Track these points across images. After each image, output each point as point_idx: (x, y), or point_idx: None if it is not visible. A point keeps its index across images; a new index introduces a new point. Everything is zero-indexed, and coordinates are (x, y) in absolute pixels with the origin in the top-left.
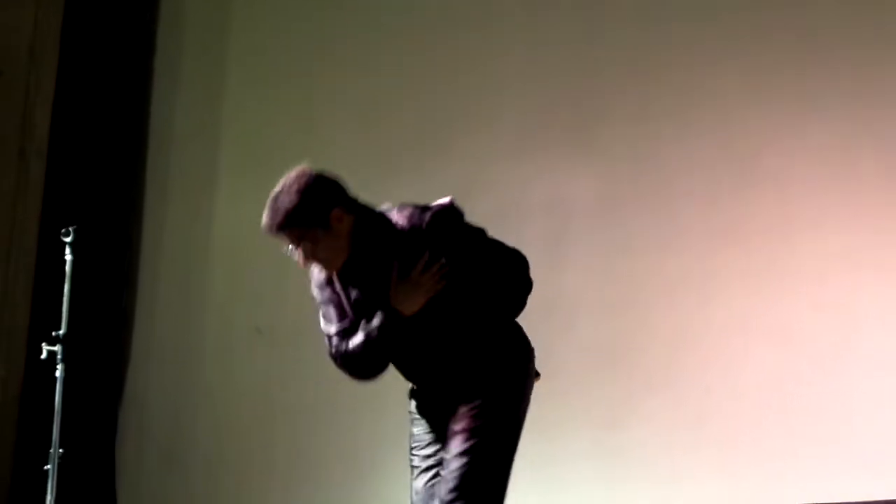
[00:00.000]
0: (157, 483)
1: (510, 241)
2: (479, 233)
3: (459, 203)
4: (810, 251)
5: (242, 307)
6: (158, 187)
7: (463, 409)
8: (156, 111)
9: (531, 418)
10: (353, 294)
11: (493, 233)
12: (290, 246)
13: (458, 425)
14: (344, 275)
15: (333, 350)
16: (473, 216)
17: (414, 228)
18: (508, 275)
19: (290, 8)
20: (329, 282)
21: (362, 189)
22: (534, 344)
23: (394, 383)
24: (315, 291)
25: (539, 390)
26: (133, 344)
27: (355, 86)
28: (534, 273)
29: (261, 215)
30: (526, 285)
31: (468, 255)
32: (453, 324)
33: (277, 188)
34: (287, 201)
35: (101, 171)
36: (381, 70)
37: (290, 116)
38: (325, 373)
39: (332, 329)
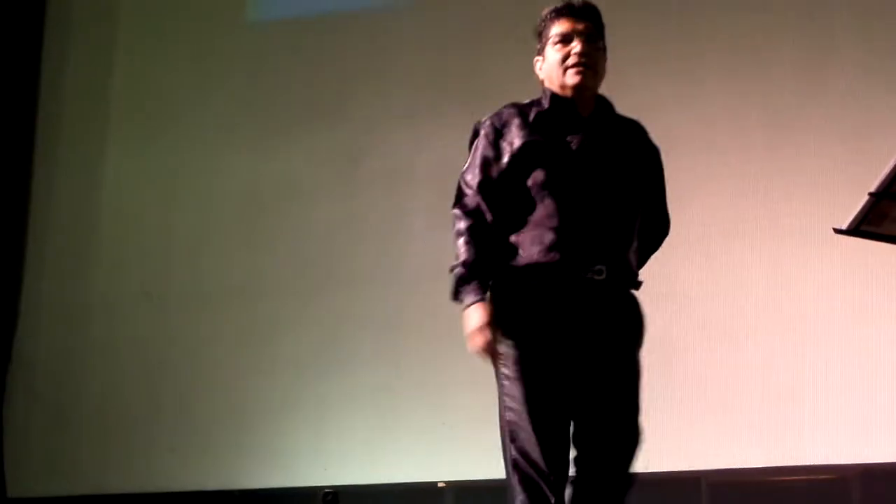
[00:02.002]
0: (46, 443)
1: (399, 204)
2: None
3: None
4: (699, 216)
5: (131, 268)
6: (48, 145)
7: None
8: (47, 65)
9: (417, 382)
10: (563, 149)
11: (383, 197)
12: (565, 32)
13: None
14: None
15: (458, 204)
16: (364, 179)
17: (643, 131)
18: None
19: None
20: (528, 130)
21: (245, 147)
22: (417, 307)
23: (282, 351)
24: (489, 134)
25: (428, 354)
26: (21, 304)
27: (245, 42)
28: (423, 237)
29: (151, 174)
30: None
31: (659, 190)
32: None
33: None
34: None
35: None
36: (271, 27)
37: (180, 72)
38: (212, 334)
39: (474, 183)
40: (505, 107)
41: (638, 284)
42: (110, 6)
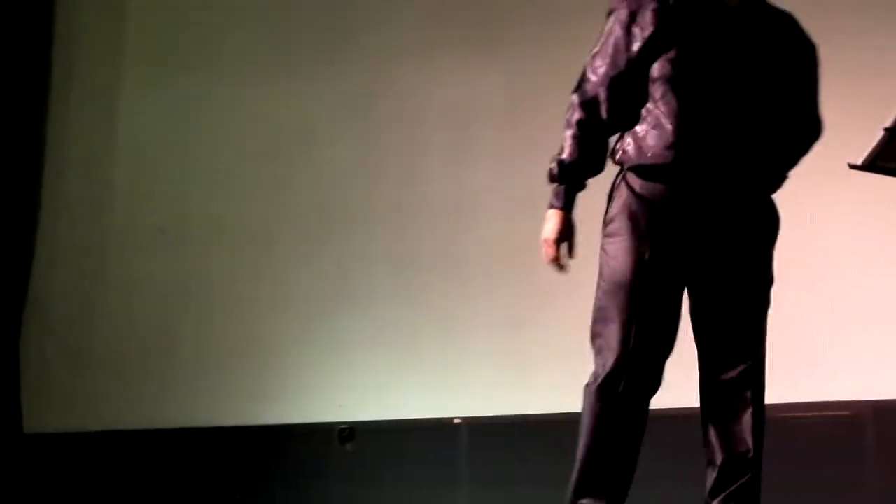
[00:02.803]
0: (63, 381)
1: (414, 143)
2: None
3: None
4: None
5: (147, 206)
6: (63, 84)
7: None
8: (61, 8)
9: (433, 319)
10: (700, 42)
11: (397, 133)
12: None
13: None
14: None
15: (578, 90)
16: (377, 117)
17: (797, 26)
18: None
19: None
20: (665, 16)
21: (262, 87)
22: (436, 244)
23: (298, 289)
24: (624, 18)
25: (442, 292)
26: (38, 241)
27: None
28: (438, 173)
29: (167, 113)
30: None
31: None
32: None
33: None
34: None
35: (4, 69)
36: None
37: (195, 15)
38: (228, 272)
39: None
40: None
41: (775, 187)
42: None
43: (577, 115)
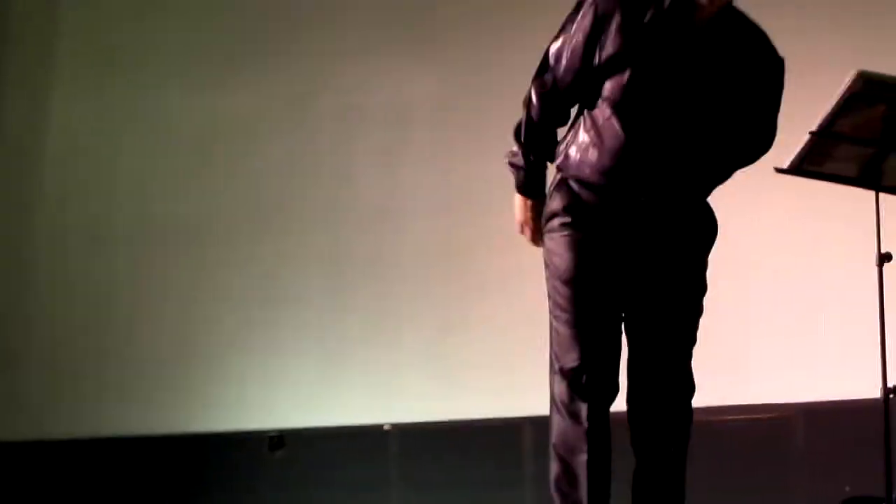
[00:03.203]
0: None
1: (349, 143)
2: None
3: None
4: None
5: (78, 208)
6: None
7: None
8: None
9: (364, 322)
10: (662, 53)
11: (332, 134)
12: None
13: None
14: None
15: (537, 78)
16: (315, 116)
17: (765, 42)
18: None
19: None
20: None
21: (201, 88)
22: (369, 246)
23: (231, 292)
24: (590, 17)
25: (375, 294)
26: None
27: None
28: (372, 174)
29: (100, 114)
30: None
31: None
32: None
33: None
34: None
35: None
36: None
37: (126, 17)
38: (160, 274)
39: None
40: None
41: (708, 194)
42: None
43: (534, 103)
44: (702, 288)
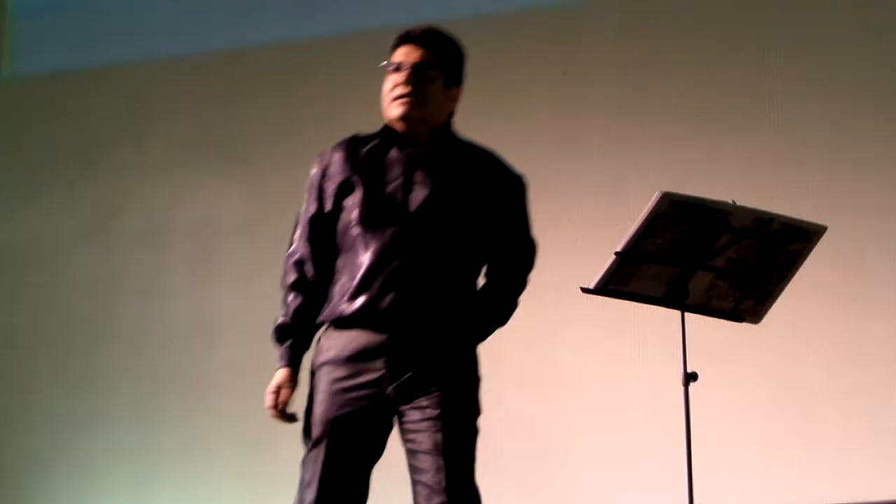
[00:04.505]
0: None
1: (157, 260)
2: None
3: None
4: None
5: None
6: None
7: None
8: None
9: (175, 439)
10: (381, 185)
11: (140, 250)
12: (400, 62)
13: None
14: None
15: (288, 251)
16: (123, 233)
17: (495, 162)
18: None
19: None
20: (350, 166)
21: (9, 199)
22: (178, 363)
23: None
24: (316, 175)
25: (186, 411)
26: None
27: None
28: (181, 292)
29: None
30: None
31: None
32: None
33: None
34: (446, 32)
35: None
36: (29, 81)
37: None
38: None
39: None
40: (340, 140)
41: (469, 329)
42: None
43: (287, 278)
44: (475, 413)
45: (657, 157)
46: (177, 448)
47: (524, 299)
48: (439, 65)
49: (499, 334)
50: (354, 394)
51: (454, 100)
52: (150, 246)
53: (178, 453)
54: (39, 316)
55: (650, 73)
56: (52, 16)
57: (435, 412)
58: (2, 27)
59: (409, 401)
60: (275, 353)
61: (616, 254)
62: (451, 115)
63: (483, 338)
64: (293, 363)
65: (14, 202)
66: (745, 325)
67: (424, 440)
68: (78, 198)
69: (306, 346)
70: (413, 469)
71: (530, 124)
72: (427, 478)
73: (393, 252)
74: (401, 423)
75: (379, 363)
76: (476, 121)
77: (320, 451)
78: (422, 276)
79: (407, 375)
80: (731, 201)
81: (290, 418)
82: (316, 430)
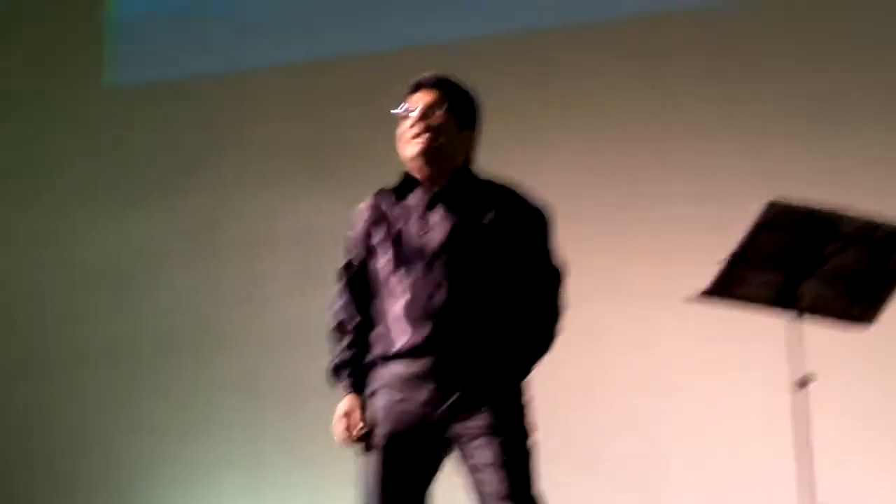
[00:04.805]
0: None
1: (258, 271)
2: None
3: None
4: None
5: None
6: None
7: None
8: None
9: (280, 449)
10: (406, 229)
11: (242, 262)
12: (411, 106)
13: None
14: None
15: (334, 298)
16: (221, 244)
17: (514, 196)
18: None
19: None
20: (377, 216)
21: (113, 213)
22: (281, 372)
23: (148, 419)
24: (349, 231)
25: (289, 419)
26: None
27: (102, 107)
28: (282, 302)
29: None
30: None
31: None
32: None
33: None
34: (456, 79)
35: None
36: (128, 93)
37: (38, 137)
38: (73, 401)
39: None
40: (368, 197)
41: (508, 362)
42: None
43: (335, 321)
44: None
45: (748, 168)
46: (280, 456)
47: (629, 305)
48: (450, 107)
49: (605, 339)
50: (409, 413)
51: (469, 142)
52: (250, 255)
53: (281, 461)
54: (143, 325)
55: (740, 84)
56: (152, 27)
57: (488, 430)
58: (102, 39)
59: (460, 421)
60: None
61: (725, 261)
62: (468, 156)
63: (528, 369)
64: (357, 388)
65: (116, 212)
66: (855, 330)
67: (482, 455)
68: (178, 207)
69: (364, 374)
70: (476, 486)
71: (618, 136)
72: (491, 488)
73: (424, 289)
74: (459, 448)
75: (429, 386)
76: (565, 133)
77: (379, 464)
78: (454, 307)
79: (455, 396)
80: (838, 209)
81: (365, 440)
82: (375, 443)
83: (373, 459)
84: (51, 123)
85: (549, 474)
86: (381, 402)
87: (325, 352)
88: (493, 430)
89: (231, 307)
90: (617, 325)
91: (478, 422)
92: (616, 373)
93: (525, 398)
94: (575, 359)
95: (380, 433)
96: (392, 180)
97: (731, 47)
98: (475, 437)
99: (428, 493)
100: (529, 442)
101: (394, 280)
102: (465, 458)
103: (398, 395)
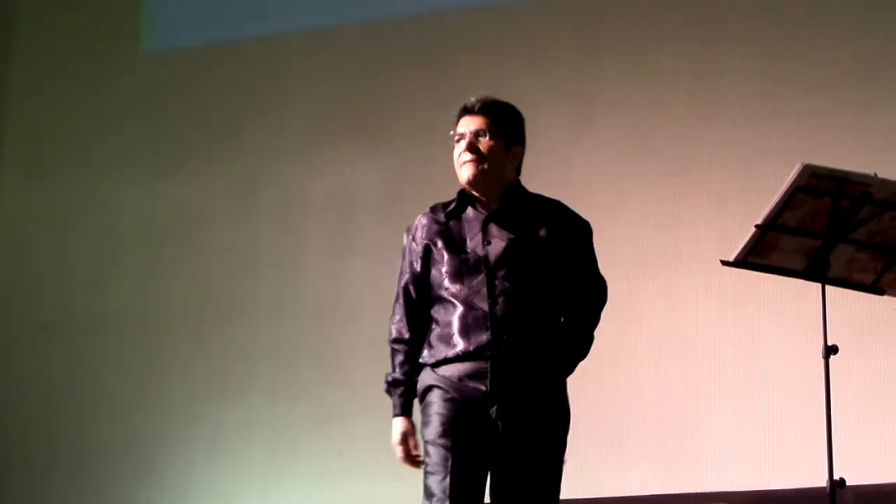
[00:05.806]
0: None
1: (295, 235)
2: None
3: None
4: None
5: (25, 300)
6: None
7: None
8: None
9: (312, 412)
10: (465, 242)
11: (278, 224)
12: (459, 131)
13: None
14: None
15: (392, 310)
16: (260, 207)
17: (562, 211)
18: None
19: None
20: (434, 230)
21: (150, 178)
22: (316, 337)
23: (179, 382)
24: (406, 243)
25: (322, 384)
26: None
27: (139, 72)
28: (320, 266)
29: (45, 208)
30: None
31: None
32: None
33: None
34: (500, 100)
35: None
36: (165, 58)
37: (76, 103)
38: (109, 365)
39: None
40: (425, 211)
41: (556, 365)
42: (2, 40)
43: (390, 336)
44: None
45: (793, 132)
46: (312, 420)
47: (660, 273)
48: (497, 128)
49: (635, 307)
50: (465, 407)
51: (518, 157)
52: (286, 220)
53: (313, 426)
54: (179, 291)
55: (787, 47)
56: None
57: (527, 448)
58: (140, 4)
59: (508, 424)
60: None
61: (756, 226)
62: (518, 170)
63: (569, 371)
64: (406, 411)
65: (153, 177)
66: (886, 298)
67: (517, 466)
68: (216, 172)
69: (414, 395)
70: (494, 490)
71: (666, 99)
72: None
73: (481, 299)
74: (499, 451)
75: (483, 385)
76: (617, 96)
77: (448, 450)
78: (512, 316)
79: (507, 398)
80: (872, 173)
81: (420, 463)
82: (440, 432)
83: (440, 447)
84: (89, 90)
85: (578, 446)
86: (437, 398)
87: (359, 317)
88: (532, 452)
89: (267, 271)
90: (645, 293)
91: (520, 436)
92: (643, 341)
93: (565, 418)
94: (604, 327)
95: (441, 422)
96: (433, 148)
97: (777, 8)
98: (517, 446)
99: (485, 480)
100: (560, 463)
101: (449, 290)
102: (501, 462)
103: (453, 393)
